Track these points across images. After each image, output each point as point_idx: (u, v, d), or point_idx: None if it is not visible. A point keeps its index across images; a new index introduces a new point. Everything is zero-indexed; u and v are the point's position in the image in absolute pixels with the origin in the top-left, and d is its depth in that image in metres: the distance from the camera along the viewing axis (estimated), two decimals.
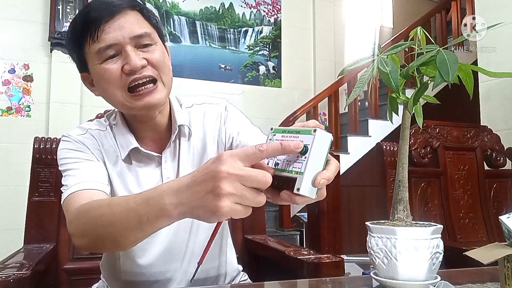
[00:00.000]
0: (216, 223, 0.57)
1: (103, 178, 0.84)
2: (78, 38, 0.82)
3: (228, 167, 0.51)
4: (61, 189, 0.82)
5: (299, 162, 0.53)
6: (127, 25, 0.81)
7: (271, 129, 0.60)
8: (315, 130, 0.53)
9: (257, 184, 0.52)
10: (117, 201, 0.67)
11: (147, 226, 0.60)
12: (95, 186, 0.80)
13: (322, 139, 0.53)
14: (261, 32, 4.78)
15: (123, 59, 0.80)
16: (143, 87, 0.81)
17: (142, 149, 0.89)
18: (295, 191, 0.52)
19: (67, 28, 0.87)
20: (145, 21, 0.85)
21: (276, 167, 0.55)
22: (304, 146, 0.53)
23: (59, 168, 0.87)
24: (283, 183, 0.54)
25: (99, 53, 0.81)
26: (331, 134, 0.55)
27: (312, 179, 0.52)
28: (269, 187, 0.54)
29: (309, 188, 0.52)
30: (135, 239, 0.65)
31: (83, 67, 0.87)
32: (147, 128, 0.91)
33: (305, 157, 0.52)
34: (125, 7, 0.82)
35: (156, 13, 1.17)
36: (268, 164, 0.56)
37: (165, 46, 0.89)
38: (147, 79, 0.81)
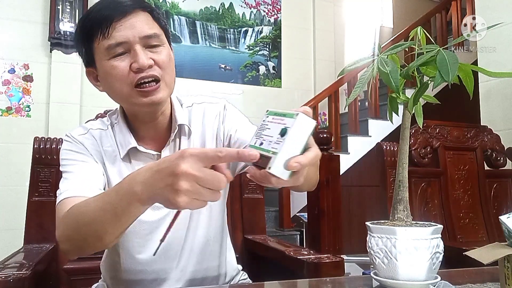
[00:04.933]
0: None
1: (96, 184, 0.85)
2: (88, 33, 0.84)
3: (188, 167, 0.55)
4: (56, 192, 0.84)
5: (277, 143, 0.55)
6: (138, 24, 0.83)
7: (267, 111, 0.61)
8: (297, 114, 0.55)
9: (211, 186, 0.56)
10: (93, 199, 0.71)
11: (122, 215, 0.63)
12: (86, 193, 0.81)
13: (303, 124, 0.55)
14: (261, 32, 4.78)
15: (132, 57, 0.82)
16: (147, 85, 0.84)
17: (140, 148, 0.90)
18: (267, 169, 0.54)
19: (73, 25, 0.89)
20: (154, 22, 0.87)
21: (261, 146, 0.57)
22: (284, 128, 0.55)
23: (60, 169, 0.89)
24: (263, 162, 0.56)
25: (108, 50, 0.82)
26: (315, 121, 0.56)
27: (285, 161, 0.54)
28: (252, 166, 0.58)
29: (280, 169, 0.54)
30: (114, 232, 0.67)
31: (89, 62, 0.88)
32: (149, 127, 0.92)
33: (283, 139, 0.54)
34: (137, 7, 0.85)
35: None
36: (254, 143, 0.59)
37: (171, 48, 0.91)
38: (152, 79, 0.84)
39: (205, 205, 0.58)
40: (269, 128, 0.58)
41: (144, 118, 0.91)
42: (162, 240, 0.63)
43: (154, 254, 0.70)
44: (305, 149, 0.56)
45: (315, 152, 0.57)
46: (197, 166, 0.55)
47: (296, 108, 0.58)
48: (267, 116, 0.60)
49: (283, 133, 0.54)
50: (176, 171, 0.55)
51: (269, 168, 0.54)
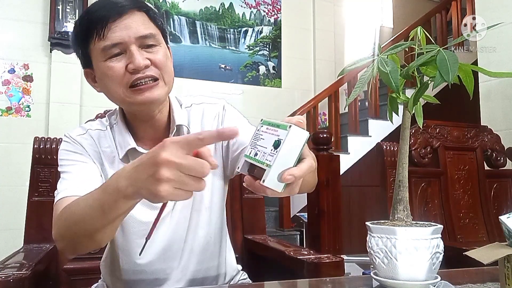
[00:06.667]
0: (161, 204, 0.60)
1: (93, 184, 0.84)
2: (84, 35, 0.84)
3: (169, 154, 0.53)
4: (55, 192, 0.84)
5: (271, 155, 0.55)
6: (134, 25, 0.83)
7: (261, 120, 0.61)
8: (290, 126, 0.54)
9: (195, 173, 0.54)
10: (84, 197, 0.71)
11: (109, 213, 0.63)
12: (82, 193, 0.80)
13: (296, 136, 0.55)
14: (261, 32, 4.78)
15: (128, 58, 0.82)
16: (143, 82, 0.83)
17: (139, 149, 0.90)
18: (261, 182, 0.54)
19: (72, 26, 0.89)
20: (150, 22, 0.87)
21: (255, 157, 0.57)
22: (278, 140, 0.55)
23: (58, 169, 0.90)
24: (258, 173, 0.56)
25: (104, 51, 0.82)
26: (308, 133, 0.56)
27: (279, 173, 0.54)
28: (248, 175, 0.58)
29: (274, 181, 0.54)
30: (103, 229, 0.67)
31: (87, 63, 0.88)
32: (147, 126, 0.92)
33: (277, 151, 0.54)
34: (132, 7, 0.84)
35: None
36: (250, 153, 0.59)
37: (168, 47, 0.91)
38: (149, 79, 0.83)
39: (190, 196, 0.56)
40: (263, 139, 0.58)
41: (142, 117, 0.90)
42: (147, 238, 0.62)
43: (140, 254, 0.70)
44: (300, 159, 0.56)
45: (309, 163, 0.57)
46: (179, 153, 0.54)
47: (290, 118, 0.58)
48: (261, 126, 0.60)
49: (276, 145, 0.55)
50: (157, 159, 0.53)
51: (263, 181, 0.54)
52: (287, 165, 0.55)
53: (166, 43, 0.90)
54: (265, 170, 0.54)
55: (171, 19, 4.32)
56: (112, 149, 0.92)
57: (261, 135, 0.59)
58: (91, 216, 0.66)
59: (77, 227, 0.69)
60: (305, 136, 0.55)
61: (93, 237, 0.69)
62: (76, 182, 0.83)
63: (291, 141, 0.54)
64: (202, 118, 0.97)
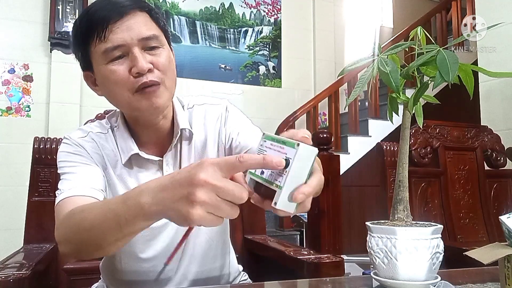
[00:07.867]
0: (187, 227, 0.57)
1: (97, 184, 0.83)
2: (84, 36, 0.81)
3: (207, 176, 0.50)
4: (56, 192, 0.82)
5: (280, 175, 0.52)
6: (136, 26, 0.80)
7: (263, 134, 0.58)
8: (298, 144, 0.51)
9: (232, 198, 0.52)
10: (98, 204, 0.68)
11: (125, 226, 0.59)
12: (88, 192, 0.79)
13: (305, 154, 0.52)
14: (261, 32, 4.78)
15: (130, 61, 0.79)
16: (148, 88, 0.81)
17: (142, 154, 0.89)
18: (272, 204, 0.52)
19: (72, 25, 0.86)
20: (153, 23, 0.84)
21: (262, 175, 0.55)
22: (286, 159, 0.51)
23: (58, 171, 0.87)
24: (266, 192, 0.54)
25: (105, 53, 0.79)
26: (316, 149, 0.53)
27: (290, 194, 0.52)
28: (255, 193, 0.55)
29: (286, 203, 0.52)
30: (115, 242, 0.64)
31: (86, 66, 0.85)
32: (150, 131, 0.90)
33: (286, 171, 0.51)
34: (134, 8, 0.81)
35: None
36: (255, 171, 0.56)
37: (171, 48, 0.88)
38: (151, 84, 0.81)
39: (220, 223, 0.53)
40: None
41: (145, 123, 0.88)
42: (166, 263, 0.60)
43: (156, 279, 0.66)
44: (309, 175, 0.53)
45: (318, 177, 0.54)
46: (217, 175, 0.51)
47: (294, 131, 0.56)
48: (265, 141, 0.57)
49: (285, 164, 0.51)
50: (194, 180, 0.50)
51: (275, 203, 0.51)
52: (297, 184, 0.52)
53: (169, 44, 0.88)
54: (275, 191, 0.52)
55: (171, 19, 4.33)
56: (115, 153, 0.90)
57: (265, 151, 0.56)
58: (104, 227, 0.62)
59: (86, 235, 0.66)
60: (315, 153, 0.53)
61: (101, 247, 0.66)
62: (81, 183, 0.81)
63: (300, 160, 0.51)
64: (205, 119, 0.95)
